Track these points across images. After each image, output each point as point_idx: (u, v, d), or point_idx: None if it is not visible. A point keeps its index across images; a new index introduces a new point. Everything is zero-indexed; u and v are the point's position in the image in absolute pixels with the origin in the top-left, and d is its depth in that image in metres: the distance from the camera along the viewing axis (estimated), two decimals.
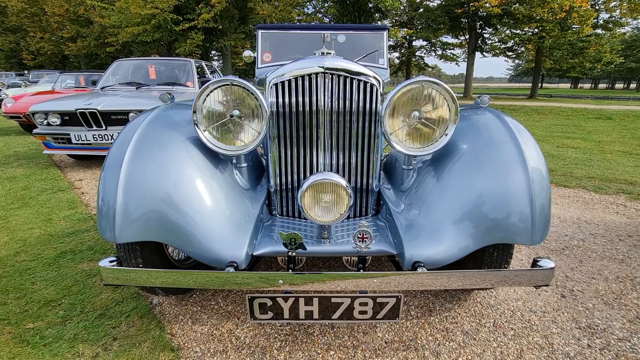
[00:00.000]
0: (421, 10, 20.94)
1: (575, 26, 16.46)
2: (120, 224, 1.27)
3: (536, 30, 17.86)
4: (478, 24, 17.96)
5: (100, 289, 1.85)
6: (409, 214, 1.50)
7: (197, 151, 1.49)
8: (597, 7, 19.29)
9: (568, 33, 16.76)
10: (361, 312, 1.29)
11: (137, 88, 5.16)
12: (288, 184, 1.70)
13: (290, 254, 1.36)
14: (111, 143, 1.47)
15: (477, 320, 1.63)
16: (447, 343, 1.50)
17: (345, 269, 1.57)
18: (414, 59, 27.29)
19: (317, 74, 1.50)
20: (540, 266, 1.29)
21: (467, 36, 19.31)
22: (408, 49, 25.93)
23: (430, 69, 32.60)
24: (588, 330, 1.56)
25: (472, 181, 1.39)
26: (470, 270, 1.29)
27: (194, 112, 1.45)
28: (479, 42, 18.83)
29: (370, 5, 11.67)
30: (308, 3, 16.99)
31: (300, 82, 1.53)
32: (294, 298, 1.27)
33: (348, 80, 1.53)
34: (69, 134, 4.17)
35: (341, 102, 1.55)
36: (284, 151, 1.64)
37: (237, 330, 1.59)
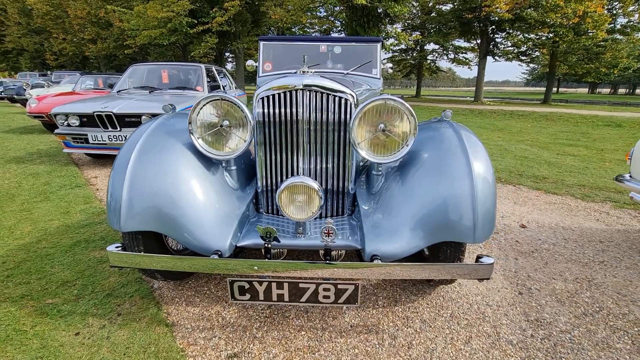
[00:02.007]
0: (433, 14, 20.97)
1: (591, 31, 16.22)
2: (125, 216, 1.53)
3: (550, 34, 17.68)
4: (490, 28, 17.88)
5: (109, 273, 2.11)
6: (375, 214, 1.71)
7: (192, 155, 1.74)
8: (614, 12, 18.94)
9: (582, 38, 16.52)
10: (325, 297, 1.51)
11: (150, 92, 5.48)
12: (272, 185, 1.92)
13: (266, 245, 1.58)
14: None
15: (436, 311, 1.82)
16: (405, 329, 1.70)
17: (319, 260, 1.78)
18: (425, 63, 27.28)
19: (297, 89, 1.73)
20: (481, 262, 1.49)
21: (478, 40, 19.22)
22: (420, 52, 25.94)
23: (442, 72, 32.40)
24: (535, 323, 1.73)
25: (427, 187, 1.59)
26: (417, 263, 1.49)
27: (190, 122, 1.70)
28: (491, 46, 18.72)
29: (380, 10, 11.84)
30: (321, 7, 17.22)
31: (283, 96, 1.76)
32: (267, 282, 1.49)
33: (325, 96, 1.75)
34: (86, 135, 4.52)
35: (319, 114, 1.77)
36: (270, 156, 1.87)
37: (224, 312, 1.82)
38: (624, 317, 1.78)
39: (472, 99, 20.75)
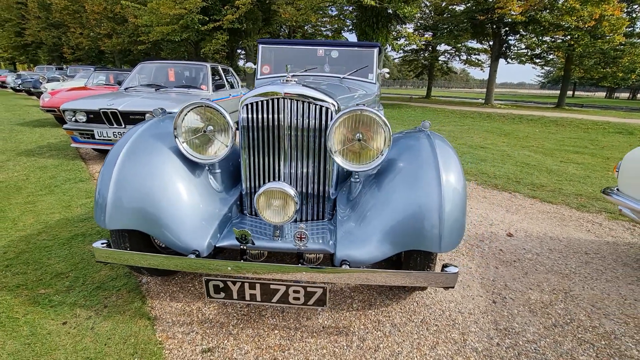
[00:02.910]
0: (446, 15, 20.72)
1: (607, 35, 15.82)
2: (110, 214, 1.62)
3: (566, 37, 17.31)
4: (503, 30, 17.59)
5: (100, 267, 2.23)
6: (349, 220, 1.77)
7: (177, 158, 1.82)
8: (633, 15, 18.42)
9: (599, 42, 16.12)
10: (295, 298, 1.58)
11: (156, 90, 5.61)
12: (256, 188, 2.00)
13: (242, 247, 1.66)
14: None
15: (408, 316, 1.88)
16: (375, 332, 1.76)
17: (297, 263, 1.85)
18: (437, 63, 26.99)
19: (278, 97, 1.80)
20: (445, 271, 1.53)
21: (491, 42, 18.93)
22: (431, 53, 25.67)
23: (454, 73, 32.01)
24: (503, 332, 1.77)
25: (397, 196, 1.64)
26: (382, 269, 1.54)
27: (175, 128, 1.79)
28: (504, 48, 18.41)
29: (390, 11, 11.80)
30: (331, 6, 17.23)
31: (265, 104, 1.83)
32: (240, 282, 1.57)
33: (305, 104, 1.81)
34: (93, 131, 4.68)
35: (299, 121, 1.84)
36: (253, 160, 1.94)
37: (204, 308, 1.91)
38: (594, 330, 1.80)
39: (484, 101, 20.48)
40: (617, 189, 2.52)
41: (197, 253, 1.63)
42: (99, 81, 8.67)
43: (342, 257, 1.59)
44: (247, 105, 1.85)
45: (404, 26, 14.58)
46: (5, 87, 20.69)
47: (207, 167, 1.96)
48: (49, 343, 1.60)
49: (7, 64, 43.39)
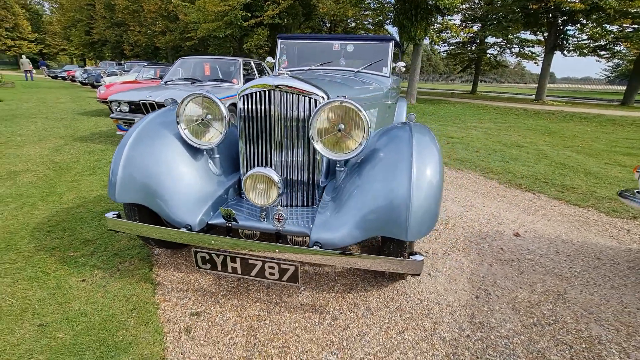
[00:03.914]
0: (496, 4, 19.44)
1: None
2: (119, 189, 1.88)
3: (636, 26, 15.46)
4: (560, 20, 16.12)
5: (120, 237, 2.54)
6: (329, 206, 1.87)
7: (178, 143, 2.04)
8: None
9: None
10: (270, 274, 1.73)
11: (192, 83, 6.04)
12: None
13: (227, 225, 1.84)
14: None
15: (385, 302, 1.94)
16: (349, 313, 1.85)
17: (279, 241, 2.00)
18: (485, 57, 25.48)
19: (270, 89, 1.93)
20: (411, 258, 1.59)
21: (545, 33, 17.44)
22: (479, 45, 24.28)
23: (505, 67, 29.95)
24: (477, 325, 1.77)
25: (372, 185, 1.71)
26: (349, 252, 1.63)
27: (177, 115, 2.00)
28: (559, 40, 16.87)
29: (431, 2, 11.38)
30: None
31: (260, 95, 1.97)
32: (223, 256, 1.75)
33: (295, 96, 1.93)
34: (134, 120, 5.18)
35: (290, 111, 1.96)
36: (249, 147, 2.11)
37: (201, 279, 2.13)
38: (577, 333, 1.74)
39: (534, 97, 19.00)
40: (638, 192, 2.33)
41: (189, 227, 1.84)
42: (148, 75, 9.46)
43: (316, 239, 1.70)
44: (243, 96, 2.01)
45: (445, 18, 13.95)
46: (75, 81, 23.14)
47: (205, 152, 2.16)
48: (68, 295, 1.90)
49: (79, 60, 48.36)
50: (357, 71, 3.58)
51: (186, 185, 1.96)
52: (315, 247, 1.66)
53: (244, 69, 6.57)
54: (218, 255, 1.75)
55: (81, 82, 19.77)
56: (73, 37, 37.86)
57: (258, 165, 2.11)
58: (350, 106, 1.77)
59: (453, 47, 26.70)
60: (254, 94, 1.98)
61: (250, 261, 1.72)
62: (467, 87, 33.85)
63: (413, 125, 1.93)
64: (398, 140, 1.81)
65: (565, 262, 2.42)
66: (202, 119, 2.04)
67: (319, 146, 1.86)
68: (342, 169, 2.02)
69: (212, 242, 1.73)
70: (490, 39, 23.88)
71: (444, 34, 16.51)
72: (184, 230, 1.80)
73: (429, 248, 2.54)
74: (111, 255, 2.31)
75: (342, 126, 1.85)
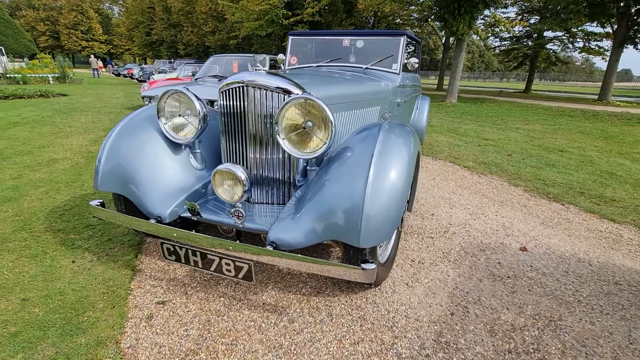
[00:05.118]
0: None
1: None
2: (100, 179, 2.00)
3: None
4: (633, 9, 14.21)
5: (119, 224, 2.71)
6: (293, 206, 1.82)
7: (159, 138, 2.12)
8: None
9: None
10: (227, 270, 1.73)
11: (219, 80, 6.28)
12: None
13: (192, 218, 1.87)
14: None
15: (349, 310, 1.85)
16: (308, 317, 1.79)
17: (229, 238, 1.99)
18: (543, 52, 23.30)
19: (241, 86, 1.93)
20: (361, 266, 1.49)
21: (615, 25, 15.50)
22: (536, 40, 22.27)
23: (564, 64, 27.19)
24: (442, 345, 1.62)
25: (332, 187, 1.64)
26: (302, 256, 1.57)
27: (158, 110, 2.07)
28: (632, 32, 14.88)
29: None
30: None
31: (234, 91, 1.98)
32: (185, 249, 1.78)
33: (267, 92, 1.91)
34: None
35: (263, 108, 1.94)
36: (228, 143, 2.13)
37: (179, 270, 2.20)
38: None
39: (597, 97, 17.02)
40: None
41: (159, 219, 1.90)
42: (187, 73, 10.02)
43: (272, 238, 1.67)
44: (221, 92, 2.03)
45: (492, 11, 12.97)
46: (133, 78, 25.27)
47: (184, 147, 2.21)
48: (56, 274, 2.07)
49: (140, 59, 52.65)
50: (366, 67, 3.46)
51: (163, 178, 2.03)
52: (268, 247, 1.63)
53: (272, 66, 6.69)
54: (181, 248, 1.79)
55: (137, 79, 21.52)
56: (136, 37, 41.35)
57: (234, 161, 2.12)
58: (315, 103, 1.71)
59: (507, 43, 24.83)
60: (231, 90, 1.99)
61: (209, 256, 1.74)
62: (522, 86, 31.29)
63: (386, 124, 1.81)
64: (366, 140, 1.71)
65: (572, 284, 2.13)
66: (180, 115, 2.09)
67: (284, 143, 1.82)
68: (313, 168, 1.96)
69: (174, 234, 1.77)
70: (549, 33, 21.78)
71: (493, 29, 15.37)
72: (153, 221, 1.86)
73: (416, 256, 2.38)
74: (105, 241, 2.47)
75: (310, 124, 1.79)
